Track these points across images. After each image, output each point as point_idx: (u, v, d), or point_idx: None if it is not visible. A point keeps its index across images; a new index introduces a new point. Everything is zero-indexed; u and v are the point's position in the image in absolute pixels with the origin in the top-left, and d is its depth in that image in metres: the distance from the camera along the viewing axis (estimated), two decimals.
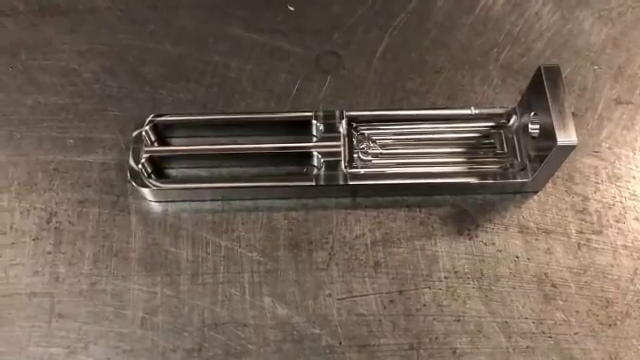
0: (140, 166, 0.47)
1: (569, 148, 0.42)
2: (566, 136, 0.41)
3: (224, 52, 0.56)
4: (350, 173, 0.47)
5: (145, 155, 0.48)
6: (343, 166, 0.47)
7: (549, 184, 0.49)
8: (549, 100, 0.43)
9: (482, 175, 0.47)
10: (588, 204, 0.48)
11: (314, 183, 0.47)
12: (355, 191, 0.48)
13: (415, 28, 0.57)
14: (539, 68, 0.44)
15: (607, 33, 0.56)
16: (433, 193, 0.49)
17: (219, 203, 0.48)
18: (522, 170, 0.47)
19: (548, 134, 0.43)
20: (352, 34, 0.57)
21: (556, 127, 0.42)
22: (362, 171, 0.48)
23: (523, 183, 0.47)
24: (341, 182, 0.47)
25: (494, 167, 0.49)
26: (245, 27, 0.57)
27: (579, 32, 0.56)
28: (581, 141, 0.50)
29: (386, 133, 0.50)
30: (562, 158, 0.44)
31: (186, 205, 0.48)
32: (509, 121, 0.50)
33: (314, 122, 0.50)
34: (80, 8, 0.59)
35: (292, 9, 0.58)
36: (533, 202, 0.48)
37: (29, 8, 0.58)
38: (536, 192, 0.49)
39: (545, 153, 0.44)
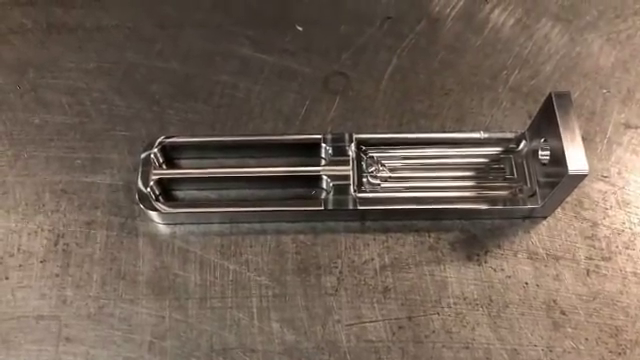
0: (148, 189, 0.47)
1: (580, 177, 0.42)
2: (577, 165, 0.41)
3: (232, 72, 0.56)
4: (359, 197, 0.47)
5: (154, 178, 0.48)
6: (352, 190, 0.47)
7: (558, 209, 0.48)
8: (560, 127, 0.43)
9: (491, 201, 0.47)
10: (597, 230, 0.48)
11: (323, 207, 0.47)
12: (364, 215, 0.48)
13: (423, 49, 0.57)
14: (550, 95, 0.44)
15: (616, 56, 0.56)
16: (442, 218, 0.48)
17: (227, 226, 0.48)
18: (531, 196, 0.47)
19: (559, 162, 0.43)
20: (360, 55, 0.57)
21: (567, 155, 0.42)
22: (371, 195, 0.48)
23: (532, 209, 0.47)
24: (350, 207, 0.47)
25: (503, 192, 0.49)
26: (253, 47, 0.57)
27: (588, 55, 0.56)
28: (590, 166, 0.50)
29: (395, 157, 0.50)
30: (573, 186, 0.44)
31: (194, 228, 0.48)
32: (518, 146, 0.50)
33: (323, 145, 0.49)
34: (87, 26, 0.58)
35: (300, 29, 0.58)
36: (542, 227, 0.48)
37: (37, 26, 0.58)
38: (545, 217, 0.48)
39: (555, 180, 0.43)
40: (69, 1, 0.60)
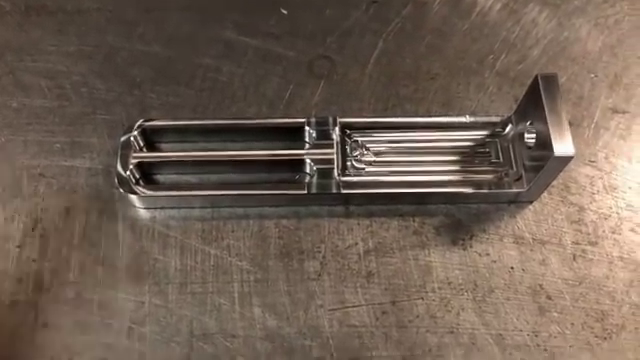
0: (128, 172, 0.46)
1: (566, 159, 0.42)
2: (563, 147, 0.41)
3: (215, 55, 0.55)
4: (343, 181, 0.46)
5: (133, 161, 0.47)
6: (336, 174, 0.46)
7: (545, 194, 0.48)
8: (546, 110, 0.42)
9: (477, 185, 0.47)
10: (584, 214, 0.48)
11: (306, 191, 0.46)
12: (348, 199, 0.47)
13: (410, 33, 0.56)
14: (536, 77, 0.44)
15: (604, 41, 0.56)
16: (427, 202, 0.48)
17: (209, 210, 0.47)
18: (517, 180, 0.47)
19: (544, 144, 0.42)
20: (346, 39, 0.56)
21: (553, 138, 0.41)
22: (355, 179, 0.47)
23: (518, 193, 0.47)
24: (334, 190, 0.46)
25: (489, 176, 0.48)
26: (237, 30, 0.56)
27: (576, 39, 0.56)
28: (577, 150, 0.49)
29: (380, 140, 0.49)
30: (559, 169, 0.44)
31: (175, 212, 0.47)
32: (504, 130, 0.49)
33: (307, 129, 0.49)
34: (68, 9, 0.57)
35: (285, 12, 0.58)
36: (528, 212, 0.48)
37: (15, 8, 0.57)
38: (531, 202, 0.48)
39: (541, 163, 0.43)
40: None
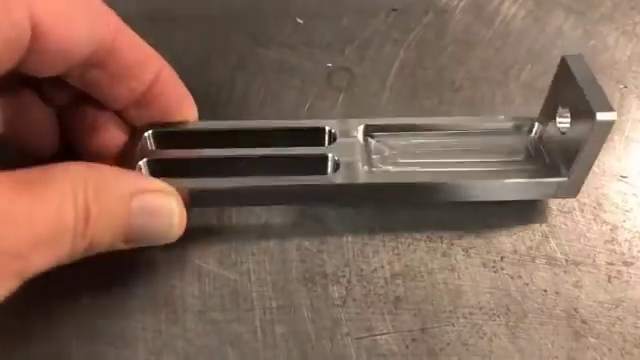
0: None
1: (609, 124, 0.39)
2: (604, 109, 0.39)
3: (229, 68, 0.53)
4: (369, 172, 0.44)
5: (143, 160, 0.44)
6: (361, 166, 0.44)
7: (576, 212, 0.46)
8: (578, 81, 0.40)
9: (512, 177, 0.44)
10: (617, 233, 0.46)
11: (330, 183, 0.43)
12: (372, 193, 0.44)
13: (431, 43, 0.55)
14: (563, 58, 0.42)
15: (632, 50, 0.54)
16: (457, 198, 0.45)
17: (227, 232, 0.45)
18: (554, 175, 0.44)
19: (582, 115, 0.40)
20: (365, 49, 0.54)
21: (591, 102, 0.39)
22: (383, 168, 0.45)
23: (559, 184, 0.44)
24: (360, 181, 0.43)
25: (523, 173, 0.45)
26: (251, 41, 0.55)
27: (603, 49, 0.54)
28: (608, 166, 0.48)
29: (405, 144, 0.47)
30: (601, 141, 0.41)
31: (191, 229, 0.45)
32: (532, 130, 0.47)
33: (327, 129, 0.46)
34: None
35: (301, 22, 0.56)
36: (560, 231, 0.46)
37: None
38: (572, 196, 0.46)
39: (580, 142, 0.41)
40: None
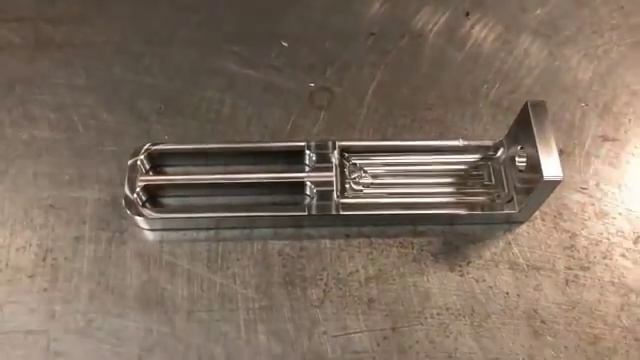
0: (135, 195, 0.48)
1: (555, 183, 0.44)
2: (552, 171, 0.43)
3: (219, 87, 0.57)
4: (342, 203, 0.48)
5: (140, 184, 0.48)
6: (335, 196, 0.48)
7: (538, 220, 0.50)
8: (535, 135, 0.44)
9: (470, 206, 0.49)
10: (576, 240, 0.49)
11: (306, 213, 0.48)
12: (347, 221, 0.49)
13: (406, 65, 0.58)
14: (526, 103, 0.46)
15: (594, 70, 0.58)
16: (422, 223, 0.50)
17: (214, 239, 0.49)
18: (509, 202, 0.49)
19: (535, 168, 0.44)
20: (345, 70, 0.58)
21: (542, 162, 0.43)
22: (354, 201, 0.49)
23: (510, 214, 0.49)
24: (333, 212, 0.48)
25: (482, 198, 0.50)
26: (240, 63, 0.58)
27: (567, 69, 0.58)
28: (569, 177, 0.52)
29: (377, 164, 0.52)
30: (548, 192, 0.46)
31: (181, 241, 0.49)
32: (497, 153, 0.51)
33: (307, 152, 0.50)
34: (76, 43, 0.59)
35: (286, 45, 0.60)
36: (522, 238, 0.49)
37: (25, 42, 0.59)
38: (522, 223, 0.50)
39: (531, 186, 0.45)
40: (57, 18, 0.61)
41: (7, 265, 0.48)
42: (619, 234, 0.50)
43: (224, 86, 0.57)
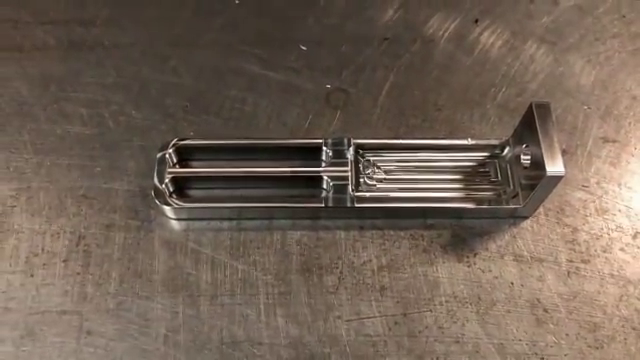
0: (163, 186, 0.51)
1: (557, 178, 0.46)
2: (554, 167, 0.46)
3: (241, 87, 0.60)
4: (357, 196, 0.51)
5: (168, 176, 0.52)
6: (350, 189, 0.51)
7: (541, 215, 0.53)
8: (539, 134, 0.47)
9: (477, 201, 0.52)
10: (577, 235, 0.52)
11: (323, 205, 0.51)
12: (360, 213, 0.52)
13: (418, 68, 0.61)
14: (531, 104, 0.49)
15: (596, 75, 0.61)
16: (432, 217, 0.53)
17: (236, 229, 0.52)
18: (514, 197, 0.51)
19: (538, 165, 0.47)
20: (360, 73, 0.61)
21: (545, 159, 0.46)
22: (367, 194, 0.52)
23: (515, 209, 0.51)
24: (348, 204, 0.51)
25: (489, 194, 0.53)
26: (261, 65, 0.62)
27: (570, 74, 0.61)
28: (571, 176, 0.55)
29: (390, 160, 0.55)
30: (551, 187, 0.48)
31: (206, 230, 0.52)
32: (503, 152, 0.54)
33: (324, 148, 0.54)
34: (106, 44, 0.63)
35: (304, 48, 0.63)
36: (527, 232, 0.52)
37: (59, 43, 0.63)
38: (527, 217, 0.53)
39: (535, 182, 0.48)
40: (89, 20, 0.64)
41: (43, 250, 0.51)
42: (619, 229, 0.52)
43: (246, 86, 0.60)
